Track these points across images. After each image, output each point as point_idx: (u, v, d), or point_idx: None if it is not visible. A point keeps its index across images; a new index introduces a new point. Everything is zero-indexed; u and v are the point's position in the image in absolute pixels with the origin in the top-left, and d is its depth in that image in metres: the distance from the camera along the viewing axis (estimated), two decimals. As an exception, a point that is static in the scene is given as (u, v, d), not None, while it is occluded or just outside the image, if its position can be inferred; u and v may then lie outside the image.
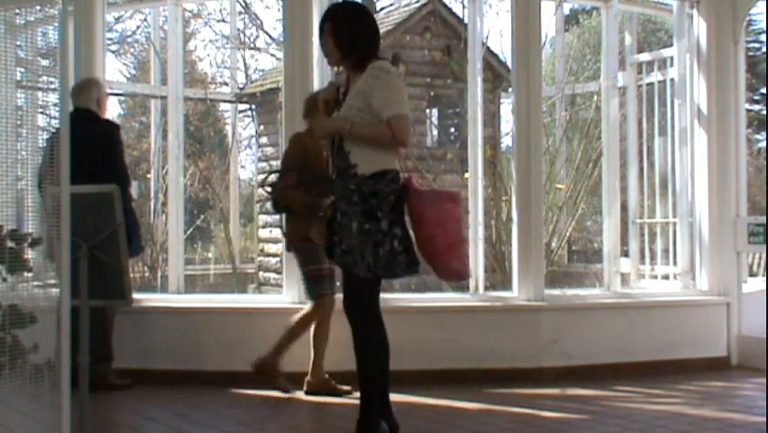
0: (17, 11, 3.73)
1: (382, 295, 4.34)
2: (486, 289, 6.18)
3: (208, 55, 19.87)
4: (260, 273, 10.15)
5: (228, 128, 12.05)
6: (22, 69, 4.04)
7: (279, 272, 7.88)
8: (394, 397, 5.11)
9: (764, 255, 10.68)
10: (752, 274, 10.08)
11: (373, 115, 3.82)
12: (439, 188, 3.64)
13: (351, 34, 3.90)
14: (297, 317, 5.23)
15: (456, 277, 3.98)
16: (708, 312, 6.21)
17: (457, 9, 14.27)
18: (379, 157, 3.82)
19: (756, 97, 20.47)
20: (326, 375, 5.22)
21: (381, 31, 15.06)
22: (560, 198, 8.67)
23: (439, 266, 3.91)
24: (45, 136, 4.77)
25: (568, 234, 8.70)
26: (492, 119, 13.43)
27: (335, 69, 4.99)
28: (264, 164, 10.61)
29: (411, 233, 3.90)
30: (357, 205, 3.79)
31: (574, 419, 4.70)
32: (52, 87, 4.23)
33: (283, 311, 5.61)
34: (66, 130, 3.22)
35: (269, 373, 5.19)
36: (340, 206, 3.87)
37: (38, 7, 4.00)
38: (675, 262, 6.63)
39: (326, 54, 4.05)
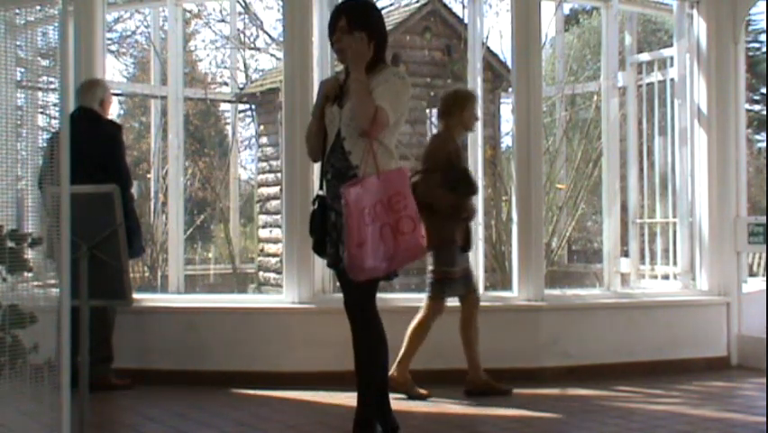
0: (17, 11, 3.73)
1: (382, 295, 4.34)
2: (486, 289, 6.19)
3: (208, 55, 19.85)
4: (260, 273, 10.15)
5: (228, 128, 12.05)
6: (22, 69, 4.03)
7: (279, 272, 7.88)
8: (394, 397, 5.12)
9: (764, 255, 10.67)
10: (752, 274, 10.07)
11: None
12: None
13: (372, 32, 3.84)
14: (413, 324, 5.26)
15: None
16: (708, 312, 6.21)
17: (457, 9, 14.25)
18: (378, 159, 3.76)
19: (756, 97, 20.47)
20: (484, 374, 5.26)
21: (381, 31, 14.68)
22: (560, 198, 8.67)
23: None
24: (45, 136, 4.78)
25: (568, 234, 8.71)
26: (492, 119, 13.43)
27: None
28: (264, 164, 10.61)
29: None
30: None
31: (574, 420, 4.70)
32: (52, 87, 4.24)
33: (283, 311, 5.62)
34: (66, 130, 3.22)
35: (401, 385, 5.19)
36: (335, 206, 3.79)
37: (38, 7, 4.00)
38: (675, 262, 6.63)
39: (339, 50, 3.91)
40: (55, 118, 4.09)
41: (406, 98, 3.91)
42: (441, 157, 5.20)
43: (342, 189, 3.62)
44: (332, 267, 4.02)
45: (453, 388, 5.31)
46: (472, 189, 5.22)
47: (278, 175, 9.12)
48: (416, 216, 3.70)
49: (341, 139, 3.83)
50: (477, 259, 6.06)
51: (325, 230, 3.90)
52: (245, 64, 16.97)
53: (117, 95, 12.21)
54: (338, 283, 4.09)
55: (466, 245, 5.25)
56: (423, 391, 5.18)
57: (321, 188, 3.97)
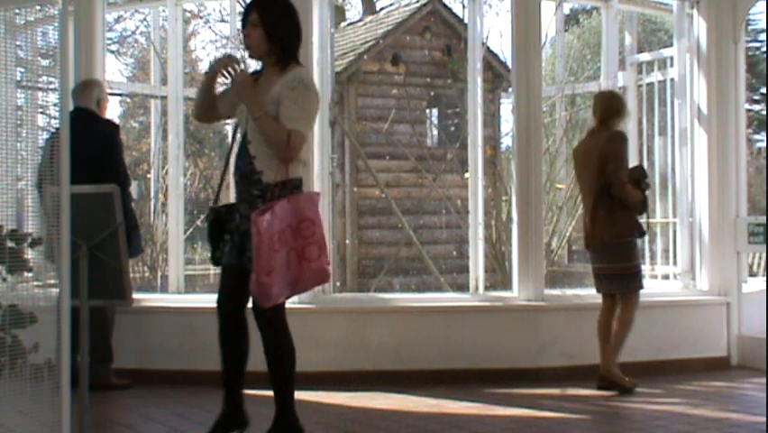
0: (17, 11, 3.73)
1: (382, 295, 4.34)
2: (486, 289, 6.19)
3: (208, 55, 19.84)
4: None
5: (228, 128, 12.04)
6: (22, 69, 4.04)
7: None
8: (394, 397, 5.13)
9: (764, 255, 10.67)
10: (752, 274, 10.07)
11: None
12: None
13: (283, 29, 3.82)
14: (617, 321, 5.32)
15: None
16: (708, 312, 6.21)
17: (457, 9, 14.31)
18: (282, 166, 3.73)
19: (756, 97, 20.48)
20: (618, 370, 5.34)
21: (381, 31, 15.20)
22: (560, 198, 8.68)
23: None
24: (45, 136, 4.77)
25: (568, 234, 8.71)
26: (492, 119, 13.44)
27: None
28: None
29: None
30: None
31: (574, 419, 4.70)
32: (52, 87, 4.23)
33: (283, 311, 5.61)
34: (66, 130, 3.22)
35: (615, 382, 5.25)
36: (240, 209, 3.79)
37: (38, 7, 4.00)
38: (675, 262, 6.63)
39: (248, 46, 3.86)
40: (55, 118, 4.08)
41: (316, 106, 3.87)
42: (624, 152, 5.32)
43: (254, 218, 3.60)
44: (218, 264, 3.94)
45: (453, 388, 5.31)
46: (649, 184, 5.49)
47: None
48: (323, 243, 3.72)
49: (246, 141, 3.82)
50: (477, 259, 6.07)
51: (222, 237, 3.87)
52: (245, 64, 16.89)
53: (117, 95, 12.22)
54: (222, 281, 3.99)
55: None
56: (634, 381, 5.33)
57: (218, 197, 4.01)
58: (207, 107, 3.99)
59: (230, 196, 4.34)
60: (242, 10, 3.93)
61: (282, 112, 3.73)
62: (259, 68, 4.00)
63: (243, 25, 3.86)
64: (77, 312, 4.58)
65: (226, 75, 3.81)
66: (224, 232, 3.87)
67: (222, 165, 4.25)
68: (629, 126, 7.05)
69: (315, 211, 3.74)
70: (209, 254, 4.01)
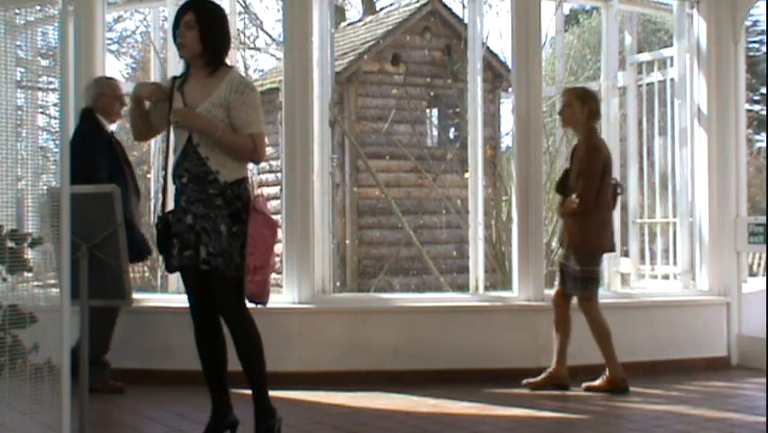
0: (17, 11, 3.73)
1: (382, 295, 4.34)
2: (486, 289, 6.19)
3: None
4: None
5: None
6: (23, 69, 4.04)
7: (279, 272, 7.87)
8: (394, 397, 5.13)
9: (764, 255, 10.67)
10: (752, 274, 10.07)
11: (231, 128, 3.83)
12: (263, 210, 3.75)
13: (218, 31, 3.88)
14: (593, 330, 5.30)
15: (251, 298, 3.94)
16: (708, 312, 6.21)
17: (457, 9, 14.31)
18: (238, 165, 3.86)
19: (756, 97, 20.46)
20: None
21: (381, 31, 15.19)
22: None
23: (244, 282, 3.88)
24: (45, 136, 4.77)
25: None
26: (492, 119, 13.44)
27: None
28: (264, 164, 10.61)
29: None
30: (222, 208, 3.79)
31: (574, 419, 4.70)
32: (52, 87, 4.24)
33: (282, 311, 5.61)
34: (66, 130, 3.23)
35: (616, 384, 5.22)
36: (192, 209, 3.80)
37: (38, 7, 4.00)
38: (675, 262, 6.62)
39: (182, 45, 3.87)
40: (55, 118, 4.08)
41: (260, 102, 4.00)
42: (600, 164, 5.36)
43: (262, 217, 3.81)
44: (178, 270, 3.96)
45: (452, 388, 5.31)
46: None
47: (278, 175, 9.12)
48: (259, 265, 3.83)
49: (193, 144, 3.84)
50: (477, 259, 6.06)
51: (170, 243, 3.86)
52: (245, 64, 16.98)
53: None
54: (182, 284, 4.04)
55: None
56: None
57: (164, 204, 4.00)
58: (147, 129, 4.08)
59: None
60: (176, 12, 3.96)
61: (240, 117, 3.83)
62: (178, 72, 4.07)
63: (176, 25, 3.87)
64: (96, 313, 4.70)
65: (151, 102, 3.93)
66: (171, 237, 3.86)
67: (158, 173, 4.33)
68: (630, 126, 7.07)
69: (260, 232, 3.83)
70: (163, 264, 4.04)
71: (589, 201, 5.23)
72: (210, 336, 3.95)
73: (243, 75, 4.09)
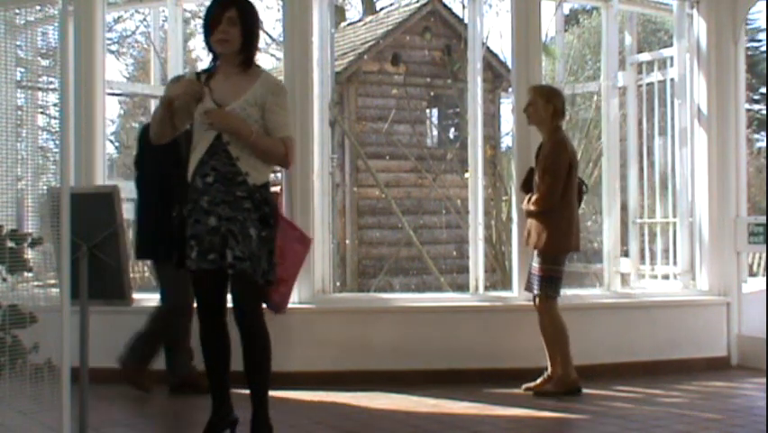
0: (17, 11, 3.74)
1: (382, 295, 4.34)
2: (486, 289, 6.18)
3: (208, 55, 19.83)
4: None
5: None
6: (23, 69, 4.04)
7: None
8: (394, 397, 5.13)
9: (764, 255, 10.68)
10: (752, 274, 10.08)
11: (264, 129, 3.78)
12: (293, 223, 3.79)
13: (256, 30, 3.85)
14: (547, 329, 5.28)
15: (272, 308, 3.93)
16: (708, 312, 6.21)
17: (457, 9, 14.32)
18: (266, 168, 3.82)
19: (756, 97, 20.45)
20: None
21: (381, 31, 15.14)
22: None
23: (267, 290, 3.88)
24: (45, 136, 4.77)
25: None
26: (492, 119, 13.45)
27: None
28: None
29: None
30: (251, 212, 3.71)
31: (574, 419, 4.70)
32: (52, 87, 4.24)
33: (283, 311, 5.61)
34: (66, 130, 3.23)
35: (568, 386, 5.20)
36: (217, 211, 3.69)
37: (38, 7, 4.01)
38: (675, 262, 6.62)
39: (223, 41, 3.76)
40: (55, 118, 4.09)
41: None
42: (566, 163, 5.35)
43: (293, 225, 3.77)
44: (180, 267, 3.83)
45: (452, 388, 5.31)
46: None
47: (279, 175, 9.13)
48: (284, 277, 3.92)
49: (223, 143, 3.73)
50: (477, 259, 6.06)
51: (183, 237, 3.74)
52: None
53: (117, 95, 12.23)
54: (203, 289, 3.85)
55: None
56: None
57: (179, 199, 3.81)
58: (171, 130, 3.88)
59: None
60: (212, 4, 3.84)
61: (274, 120, 3.78)
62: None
63: (215, 20, 3.76)
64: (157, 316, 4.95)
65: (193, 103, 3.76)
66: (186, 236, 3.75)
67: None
68: (630, 126, 7.07)
69: (292, 247, 3.83)
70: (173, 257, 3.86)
71: (554, 199, 5.20)
72: (217, 336, 3.88)
73: (275, 77, 4.02)
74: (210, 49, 3.85)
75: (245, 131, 3.70)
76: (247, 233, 3.68)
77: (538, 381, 5.26)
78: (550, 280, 5.23)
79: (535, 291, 5.27)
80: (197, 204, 3.72)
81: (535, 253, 5.27)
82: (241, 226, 3.68)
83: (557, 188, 5.20)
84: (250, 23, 3.80)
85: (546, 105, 5.32)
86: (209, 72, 3.86)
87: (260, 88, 3.78)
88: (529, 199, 5.34)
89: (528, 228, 5.35)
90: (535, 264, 5.26)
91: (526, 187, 5.47)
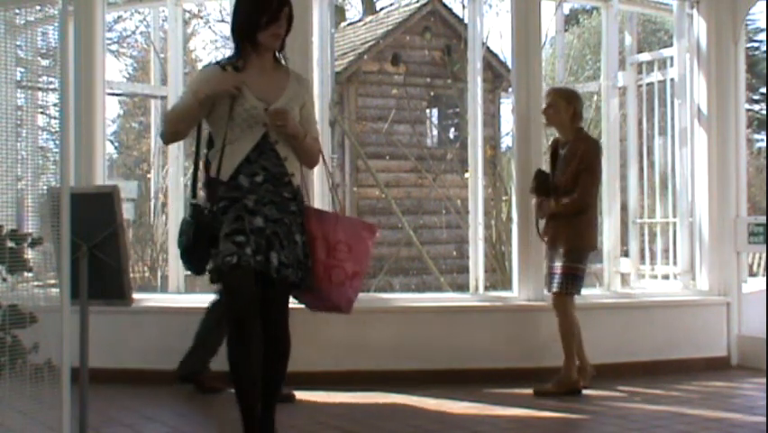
0: (17, 11, 3.74)
1: (383, 295, 4.34)
2: (486, 289, 6.19)
3: (208, 55, 19.87)
4: (261, 273, 10.12)
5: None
6: (22, 69, 4.04)
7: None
8: (395, 397, 5.13)
9: (764, 255, 10.68)
10: (752, 274, 10.08)
11: None
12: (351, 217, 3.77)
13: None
14: (564, 326, 5.27)
15: (339, 307, 3.79)
16: (708, 312, 6.21)
17: (457, 9, 14.34)
18: (301, 169, 3.71)
19: (756, 97, 20.45)
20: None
21: (381, 31, 15.13)
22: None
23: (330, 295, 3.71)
24: (45, 136, 4.77)
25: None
26: (492, 119, 13.46)
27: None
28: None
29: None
30: (297, 215, 3.62)
31: (574, 419, 4.70)
32: (52, 87, 4.24)
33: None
34: (66, 130, 3.23)
35: (568, 386, 5.21)
36: (264, 211, 3.53)
37: (38, 7, 4.01)
38: (675, 262, 6.62)
39: (278, 36, 3.62)
40: (55, 118, 4.08)
41: None
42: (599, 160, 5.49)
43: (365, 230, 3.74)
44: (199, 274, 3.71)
45: (452, 388, 5.31)
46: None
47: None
48: (354, 271, 3.69)
49: (271, 142, 3.59)
50: (477, 259, 6.06)
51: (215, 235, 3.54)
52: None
53: (117, 95, 12.23)
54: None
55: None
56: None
57: (194, 195, 3.70)
58: (190, 129, 3.75)
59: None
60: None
61: (308, 118, 3.70)
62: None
63: (277, 16, 3.59)
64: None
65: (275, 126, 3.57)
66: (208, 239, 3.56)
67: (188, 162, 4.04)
68: (630, 126, 7.07)
69: (358, 234, 3.77)
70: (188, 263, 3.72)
71: (591, 200, 5.27)
72: (254, 346, 3.54)
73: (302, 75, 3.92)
74: (248, 40, 3.61)
75: (301, 132, 3.61)
76: (293, 238, 3.57)
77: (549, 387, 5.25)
78: (574, 278, 5.22)
79: (555, 288, 5.23)
80: (239, 202, 3.54)
81: (560, 252, 5.25)
82: (286, 230, 3.56)
83: (594, 188, 5.30)
84: (292, 20, 3.68)
85: (567, 108, 5.34)
86: (234, 64, 3.66)
87: (296, 85, 3.69)
88: (557, 201, 5.28)
89: (552, 228, 5.35)
90: (558, 263, 5.25)
91: (542, 190, 5.42)
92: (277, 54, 3.70)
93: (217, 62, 3.78)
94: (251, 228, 3.49)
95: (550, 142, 5.82)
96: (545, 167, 5.66)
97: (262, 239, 3.50)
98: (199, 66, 17.63)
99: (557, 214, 5.28)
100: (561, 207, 5.27)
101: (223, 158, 3.60)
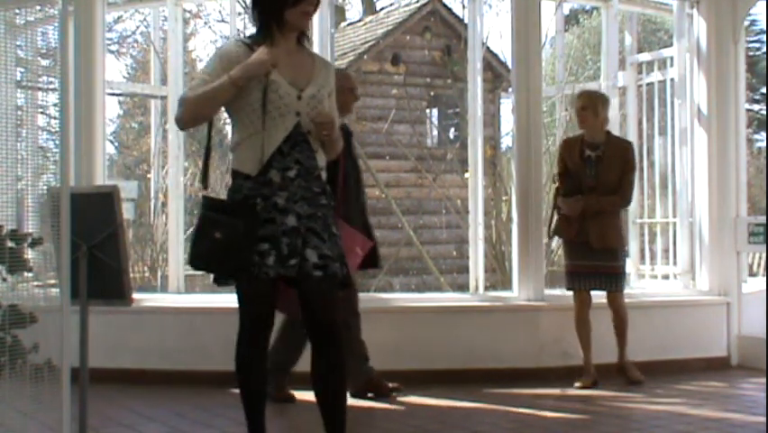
0: (17, 11, 3.74)
1: (383, 295, 4.33)
2: (486, 289, 6.18)
3: (208, 55, 19.84)
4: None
5: (228, 128, 12.05)
6: (22, 69, 4.04)
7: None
8: (395, 397, 5.13)
9: (764, 255, 10.67)
10: (752, 274, 10.07)
11: None
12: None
13: None
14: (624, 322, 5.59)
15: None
16: (708, 312, 6.21)
17: (457, 9, 14.33)
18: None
19: (756, 97, 20.45)
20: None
21: (381, 31, 15.18)
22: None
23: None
24: (45, 136, 4.78)
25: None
26: (492, 119, 13.47)
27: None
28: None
29: None
30: (329, 208, 3.33)
31: (574, 419, 4.70)
32: (52, 87, 4.24)
33: (283, 311, 5.61)
34: (66, 130, 3.23)
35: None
36: (296, 209, 3.23)
37: (38, 7, 4.01)
38: (675, 262, 6.63)
39: (309, 15, 3.33)
40: (55, 118, 4.08)
41: None
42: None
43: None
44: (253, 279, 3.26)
45: (452, 388, 5.31)
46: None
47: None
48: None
49: (303, 133, 3.27)
50: (477, 259, 6.06)
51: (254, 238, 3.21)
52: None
53: (117, 95, 12.23)
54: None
55: None
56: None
57: (240, 190, 3.28)
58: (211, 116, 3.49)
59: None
60: None
61: (332, 105, 3.38)
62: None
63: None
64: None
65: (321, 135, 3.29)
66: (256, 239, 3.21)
67: (205, 155, 3.75)
68: (630, 126, 7.07)
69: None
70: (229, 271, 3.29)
71: (631, 197, 5.70)
72: (262, 359, 3.41)
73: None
74: (274, 19, 3.27)
75: (340, 135, 3.38)
76: (331, 231, 3.28)
77: (638, 374, 5.51)
78: (623, 276, 5.59)
79: (619, 289, 5.52)
80: (269, 201, 3.22)
81: (613, 251, 5.46)
82: (323, 224, 3.26)
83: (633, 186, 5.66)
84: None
85: (603, 112, 5.59)
86: (257, 43, 3.29)
87: (323, 69, 3.39)
88: (597, 200, 5.43)
89: (597, 227, 5.43)
90: (609, 263, 5.46)
91: (577, 189, 5.52)
92: (304, 35, 3.39)
93: (240, 40, 3.42)
94: (284, 230, 3.20)
95: (561, 142, 5.88)
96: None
97: (297, 239, 3.21)
98: (199, 66, 17.65)
99: (600, 212, 5.43)
100: (608, 205, 5.46)
101: (251, 150, 3.26)
